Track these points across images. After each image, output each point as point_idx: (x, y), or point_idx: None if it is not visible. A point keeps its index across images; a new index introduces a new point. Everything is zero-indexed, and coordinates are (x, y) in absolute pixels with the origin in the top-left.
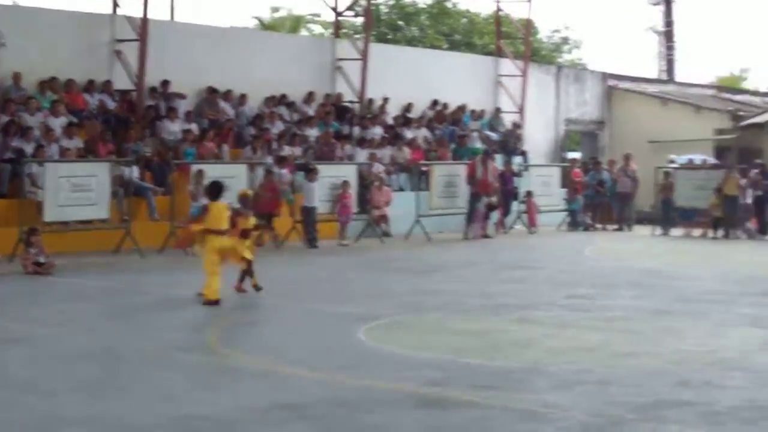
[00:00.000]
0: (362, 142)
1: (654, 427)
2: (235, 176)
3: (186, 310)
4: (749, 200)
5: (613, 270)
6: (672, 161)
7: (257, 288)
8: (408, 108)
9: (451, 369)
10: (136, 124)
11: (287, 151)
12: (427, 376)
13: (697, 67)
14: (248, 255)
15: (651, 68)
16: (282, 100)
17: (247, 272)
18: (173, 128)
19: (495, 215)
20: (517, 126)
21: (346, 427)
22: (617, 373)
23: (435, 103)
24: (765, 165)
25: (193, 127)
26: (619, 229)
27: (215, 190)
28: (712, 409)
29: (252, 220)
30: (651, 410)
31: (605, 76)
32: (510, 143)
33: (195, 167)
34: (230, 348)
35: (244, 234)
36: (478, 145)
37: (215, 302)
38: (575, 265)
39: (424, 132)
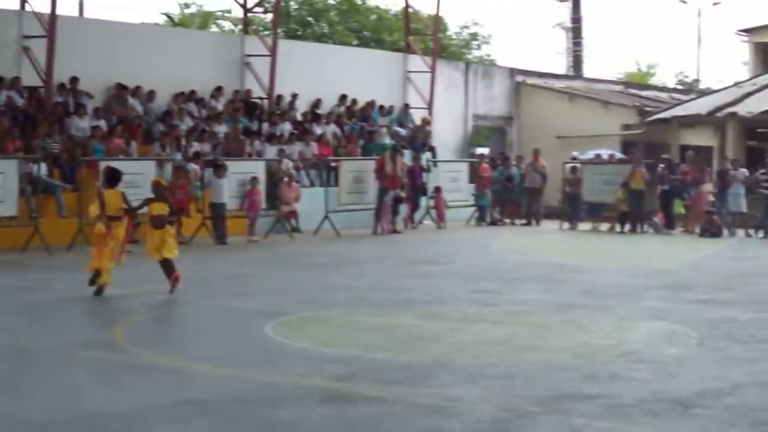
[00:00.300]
0: (271, 139)
1: (559, 420)
2: (144, 173)
3: (94, 307)
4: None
5: (520, 264)
6: (575, 158)
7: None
8: (316, 104)
9: (357, 364)
10: (44, 120)
11: (196, 147)
12: (334, 372)
13: (605, 63)
14: (169, 254)
15: (559, 64)
16: (191, 96)
17: (166, 268)
18: (82, 125)
19: (404, 210)
20: (425, 122)
21: (251, 423)
22: (523, 367)
23: (343, 98)
24: (671, 160)
25: (102, 123)
26: (528, 224)
27: (111, 177)
28: (617, 402)
29: (163, 207)
30: (556, 403)
31: (513, 72)
32: (419, 139)
33: (104, 164)
34: (137, 345)
35: (154, 221)
36: (387, 140)
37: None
38: (483, 259)
39: (333, 128)
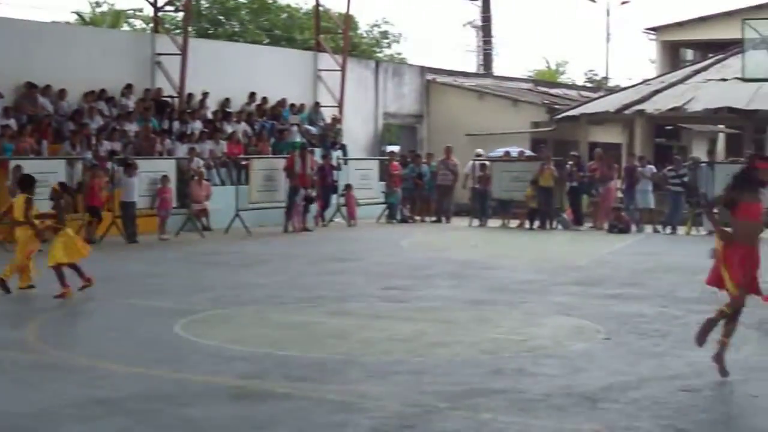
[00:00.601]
0: (182, 137)
1: (466, 415)
2: (54, 172)
3: (5, 306)
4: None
5: (430, 261)
6: (479, 155)
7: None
8: (226, 103)
9: (267, 361)
10: None
11: (106, 146)
12: (243, 369)
13: (515, 61)
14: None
15: (470, 63)
16: (101, 95)
17: (72, 267)
18: None
19: (314, 208)
20: (336, 120)
21: (161, 421)
22: (431, 363)
23: (252, 96)
24: (580, 157)
25: (12, 122)
26: (438, 221)
27: (25, 183)
28: (524, 397)
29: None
30: (464, 399)
31: (423, 70)
32: (329, 137)
33: (13, 163)
34: (48, 344)
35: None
36: (298, 139)
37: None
38: (393, 257)
39: (243, 126)
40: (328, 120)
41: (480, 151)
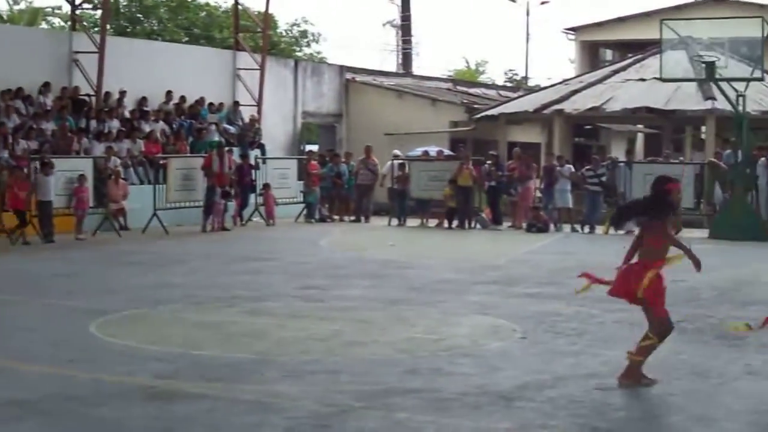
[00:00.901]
0: (99, 136)
1: (382, 414)
2: None
3: None
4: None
5: (348, 261)
6: (396, 156)
7: None
8: (144, 101)
9: (182, 361)
10: None
11: (23, 144)
12: (158, 369)
13: (435, 61)
14: None
15: (389, 62)
16: (18, 93)
17: None
18: None
19: (232, 207)
20: (254, 119)
21: (75, 422)
22: (347, 362)
23: (169, 94)
24: (498, 156)
25: None
26: (357, 221)
27: None
28: (439, 396)
29: None
30: (380, 398)
31: (343, 69)
32: (248, 136)
33: None
34: None
35: None
36: (216, 138)
37: None
38: (311, 256)
39: (161, 125)
40: (247, 119)
41: (397, 152)
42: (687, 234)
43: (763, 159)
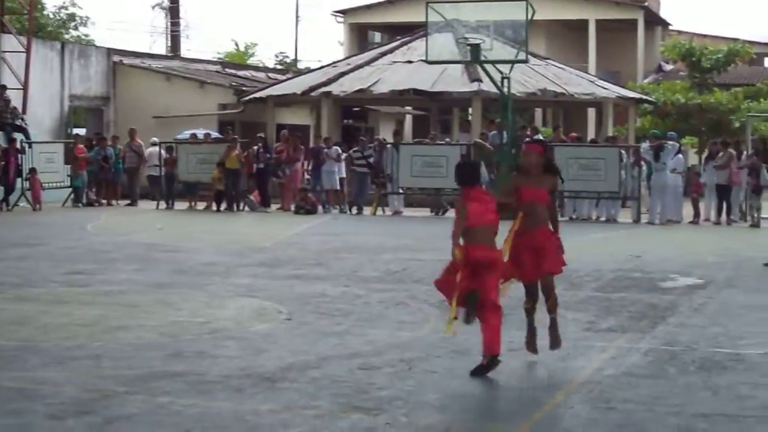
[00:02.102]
0: None
1: (145, 399)
2: None
3: None
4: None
5: (116, 245)
6: (155, 143)
7: None
8: None
9: None
10: None
11: None
12: None
13: (205, 44)
14: None
15: (160, 45)
16: None
17: None
18: None
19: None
20: (7, 99)
21: None
22: (111, 347)
23: None
24: (266, 139)
25: None
26: (129, 204)
27: None
28: (203, 379)
29: None
30: (143, 382)
31: (110, 52)
32: (13, 120)
33: None
34: None
35: None
36: None
37: None
38: (77, 241)
39: None
40: (12, 102)
41: (155, 139)
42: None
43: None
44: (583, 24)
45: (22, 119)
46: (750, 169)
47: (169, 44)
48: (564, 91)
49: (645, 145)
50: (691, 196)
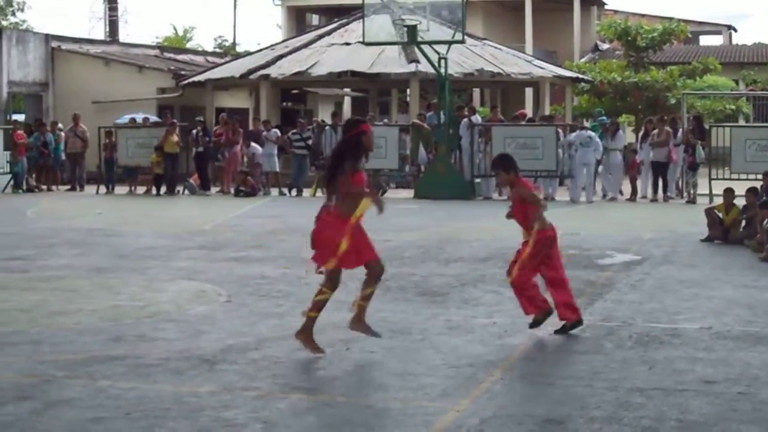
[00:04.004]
0: None
1: (84, 383)
2: None
3: None
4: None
5: (55, 230)
6: (84, 131)
7: None
8: None
9: None
10: None
11: None
12: None
13: (144, 28)
14: None
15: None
16: None
17: None
18: None
19: None
20: None
21: None
22: (51, 332)
23: None
24: (205, 122)
25: None
26: (72, 189)
27: None
28: (142, 362)
29: None
30: (82, 367)
31: (48, 37)
32: None
33: None
34: None
35: None
36: None
37: None
38: (17, 226)
39: None
40: None
41: (83, 127)
42: (393, 194)
43: (465, 120)
44: (519, 4)
45: None
46: (686, 146)
47: (108, 29)
48: (501, 71)
49: (578, 133)
50: (629, 173)
